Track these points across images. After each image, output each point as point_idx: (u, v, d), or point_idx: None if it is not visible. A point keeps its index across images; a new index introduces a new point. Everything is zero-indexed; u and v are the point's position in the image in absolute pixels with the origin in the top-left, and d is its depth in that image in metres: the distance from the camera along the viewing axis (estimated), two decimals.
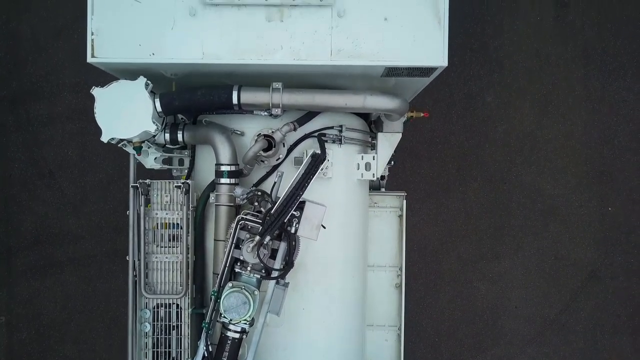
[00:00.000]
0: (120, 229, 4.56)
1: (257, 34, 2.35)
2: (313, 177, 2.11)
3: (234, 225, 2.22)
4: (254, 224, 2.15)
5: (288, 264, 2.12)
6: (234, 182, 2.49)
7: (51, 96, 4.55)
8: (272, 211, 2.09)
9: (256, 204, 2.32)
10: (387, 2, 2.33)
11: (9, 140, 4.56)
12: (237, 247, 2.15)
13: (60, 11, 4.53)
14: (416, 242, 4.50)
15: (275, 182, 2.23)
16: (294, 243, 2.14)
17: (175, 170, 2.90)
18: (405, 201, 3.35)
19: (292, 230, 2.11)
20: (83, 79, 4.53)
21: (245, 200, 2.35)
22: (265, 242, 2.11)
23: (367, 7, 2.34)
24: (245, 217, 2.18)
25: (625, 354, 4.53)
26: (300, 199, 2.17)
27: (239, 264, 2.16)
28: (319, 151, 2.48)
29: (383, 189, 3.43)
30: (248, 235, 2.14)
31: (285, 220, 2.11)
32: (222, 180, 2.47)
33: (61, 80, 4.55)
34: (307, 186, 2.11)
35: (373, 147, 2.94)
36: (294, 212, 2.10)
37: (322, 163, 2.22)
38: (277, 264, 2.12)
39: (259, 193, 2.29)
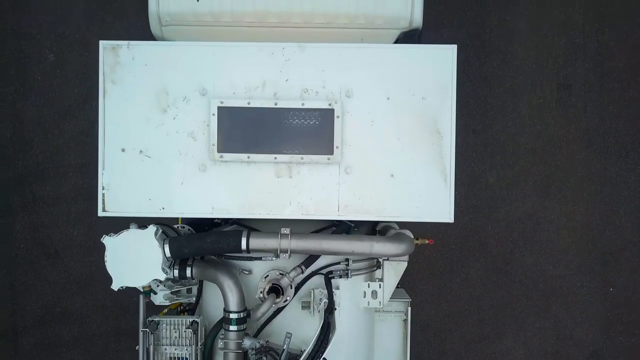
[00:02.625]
0: (125, 307, 4.60)
1: (266, 190, 2.39)
2: (322, 355, 2.14)
3: None
4: None
5: None
6: (242, 328, 2.52)
7: (56, 177, 4.58)
8: None
9: (264, 359, 2.36)
10: (393, 160, 2.37)
11: (14, 220, 4.59)
12: None
13: (66, 93, 4.56)
14: (419, 322, 4.53)
15: (284, 349, 2.25)
16: None
17: (170, 297, 2.92)
18: (410, 307, 3.38)
19: None
20: (88, 159, 4.56)
21: (255, 350, 2.39)
22: None
23: (374, 163, 2.38)
24: None
25: None
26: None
27: None
28: (321, 298, 2.54)
29: None
30: None
31: None
32: (231, 328, 2.51)
33: (66, 161, 4.58)
34: None
35: (379, 265, 2.97)
36: None
37: (329, 337, 2.24)
38: None
39: (267, 349, 2.33)
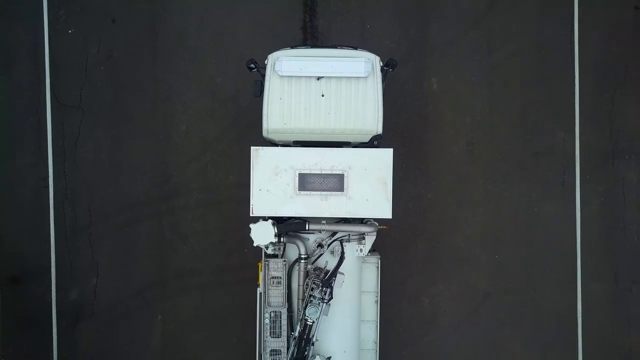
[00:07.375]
0: (224, 268, 8.19)
1: (318, 205, 5.96)
2: (338, 269, 5.75)
3: (309, 282, 5.84)
4: (317, 281, 5.79)
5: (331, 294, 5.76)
6: (306, 261, 6.10)
7: (186, 195, 8.20)
8: (325, 278, 5.73)
9: (316, 271, 5.94)
10: (367, 194, 5.93)
11: (162, 219, 8.21)
12: (312, 289, 5.78)
13: (190, 148, 8.18)
14: (389, 275, 8.06)
15: (325, 267, 5.86)
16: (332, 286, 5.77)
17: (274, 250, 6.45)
18: (379, 260, 6.90)
19: (333, 285, 5.74)
20: (204, 185, 8.18)
21: (312, 270, 5.98)
22: (323, 289, 5.75)
23: (360, 195, 5.93)
24: (314, 279, 5.82)
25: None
26: (334, 272, 5.80)
27: (311, 297, 5.78)
28: (339, 249, 6.12)
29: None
30: (314, 286, 5.77)
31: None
32: (302, 262, 6.07)
33: (191, 186, 8.20)
34: (337, 272, 5.75)
35: (364, 237, 6.52)
36: (333, 278, 5.73)
37: (342, 262, 5.84)
38: (327, 295, 5.75)
39: (319, 268, 5.92)
